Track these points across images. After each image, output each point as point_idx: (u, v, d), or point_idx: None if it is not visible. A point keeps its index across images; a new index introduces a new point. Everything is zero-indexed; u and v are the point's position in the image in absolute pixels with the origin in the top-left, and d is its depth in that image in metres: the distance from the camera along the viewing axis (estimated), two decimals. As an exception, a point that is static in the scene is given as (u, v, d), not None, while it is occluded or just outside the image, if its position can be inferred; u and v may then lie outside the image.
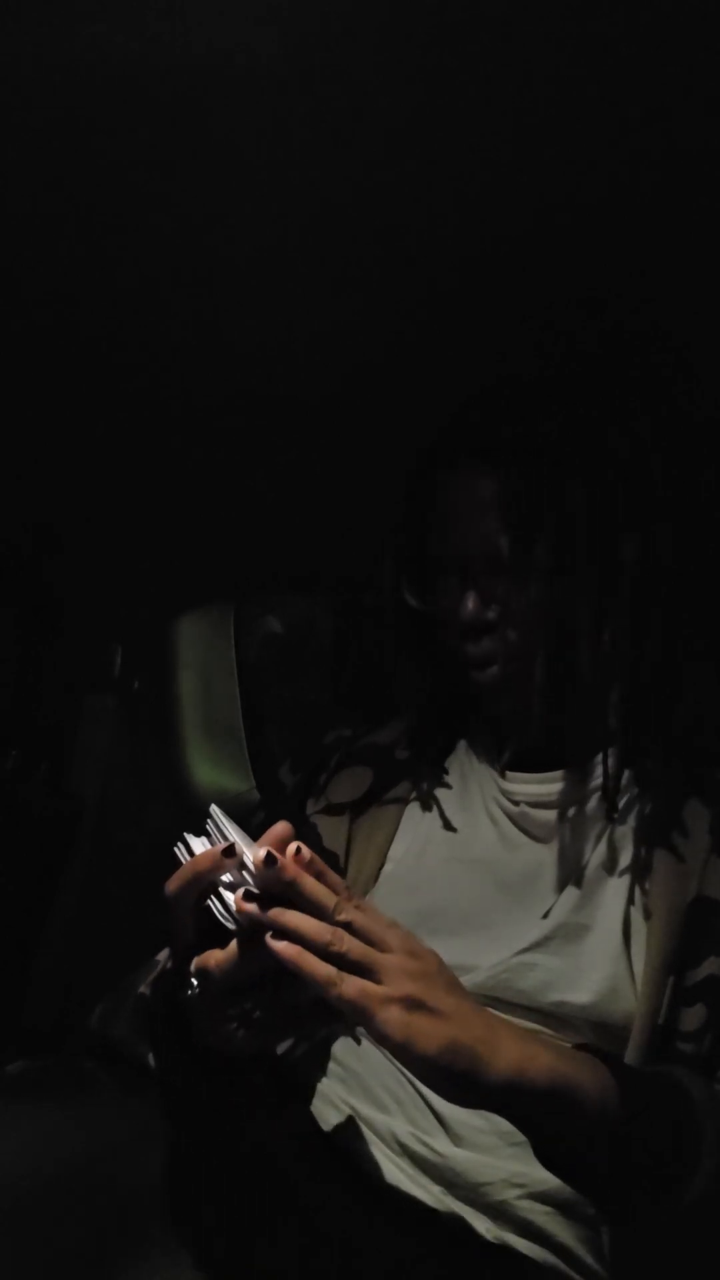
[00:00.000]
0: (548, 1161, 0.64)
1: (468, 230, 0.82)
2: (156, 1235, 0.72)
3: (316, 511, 1.18)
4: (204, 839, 0.63)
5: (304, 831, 0.89)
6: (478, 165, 0.76)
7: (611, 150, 0.74)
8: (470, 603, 0.81)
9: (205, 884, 0.61)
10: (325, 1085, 0.82)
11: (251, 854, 0.59)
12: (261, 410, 1.04)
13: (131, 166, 0.77)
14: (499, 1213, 0.72)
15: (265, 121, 0.73)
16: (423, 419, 0.87)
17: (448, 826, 0.86)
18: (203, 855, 0.61)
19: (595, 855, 0.79)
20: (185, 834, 0.64)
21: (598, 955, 0.75)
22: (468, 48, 0.67)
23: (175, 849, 0.63)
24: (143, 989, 0.79)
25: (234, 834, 0.62)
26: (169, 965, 0.69)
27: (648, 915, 0.75)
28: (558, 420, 0.80)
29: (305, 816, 0.91)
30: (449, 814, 0.86)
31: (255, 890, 0.58)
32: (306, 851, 0.60)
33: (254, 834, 0.92)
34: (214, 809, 0.64)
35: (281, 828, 0.62)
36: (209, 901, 0.60)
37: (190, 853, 0.62)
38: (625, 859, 0.78)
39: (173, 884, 0.61)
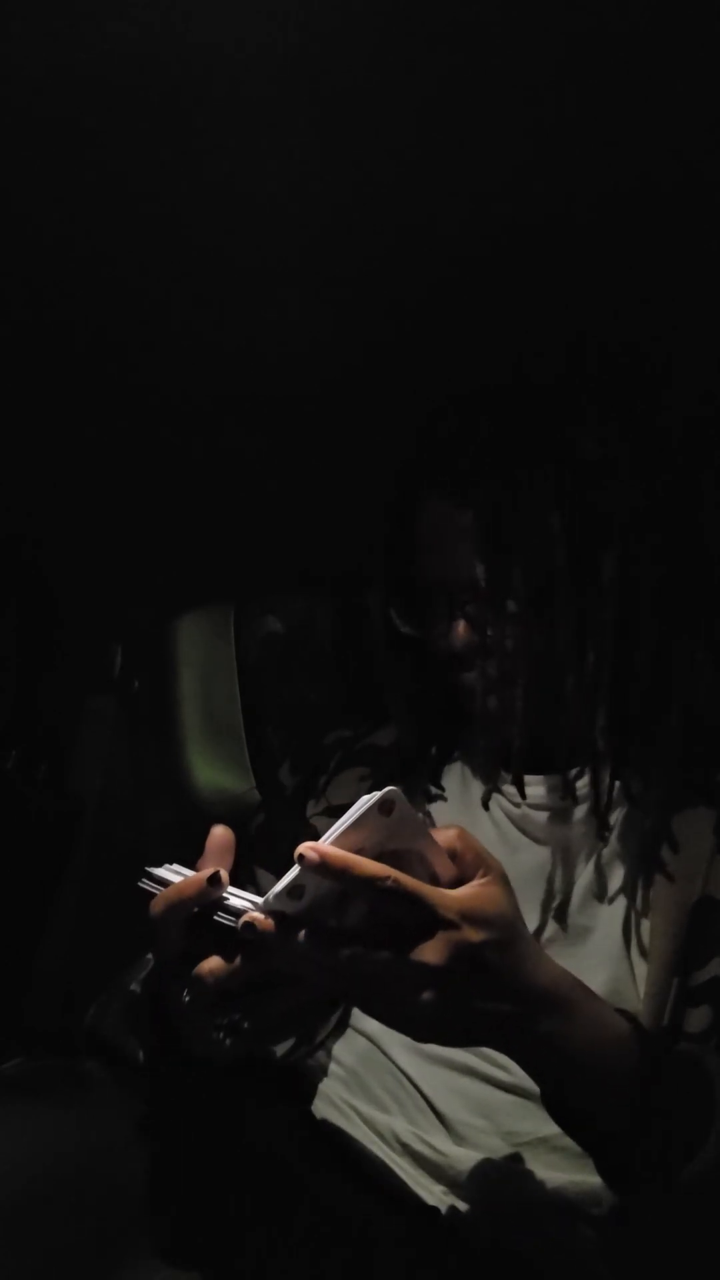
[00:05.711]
0: (554, 1110, 0.64)
1: (468, 228, 0.81)
2: (156, 1234, 0.72)
3: (317, 510, 1.18)
4: (167, 868, 0.63)
5: (305, 833, 0.89)
6: (477, 166, 0.76)
7: (610, 150, 0.74)
8: (459, 631, 0.80)
9: (192, 907, 0.60)
10: (326, 1085, 0.82)
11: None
12: (261, 409, 1.04)
13: (126, 163, 0.77)
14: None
15: (262, 120, 0.73)
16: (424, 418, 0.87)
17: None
18: (187, 882, 0.60)
19: (597, 857, 0.79)
20: (147, 867, 0.63)
21: (600, 957, 0.75)
22: (467, 49, 0.67)
23: (140, 884, 0.62)
24: (133, 986, 0.79)
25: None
26: (156, 971, 0.69)
27: (650, 917, 0.75)
28: (523, 443, 0.79)
29: (306, 818, 0.91)
30: (450, 817, 0.86)
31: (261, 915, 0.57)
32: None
33: (254, 834, 0.92)
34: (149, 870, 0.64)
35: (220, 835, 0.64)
36: (216, 916, 0.59)
37: (159, 882, 0.62)
38: (627, 862, 0.78)
39: (157, 906, 0.61)
